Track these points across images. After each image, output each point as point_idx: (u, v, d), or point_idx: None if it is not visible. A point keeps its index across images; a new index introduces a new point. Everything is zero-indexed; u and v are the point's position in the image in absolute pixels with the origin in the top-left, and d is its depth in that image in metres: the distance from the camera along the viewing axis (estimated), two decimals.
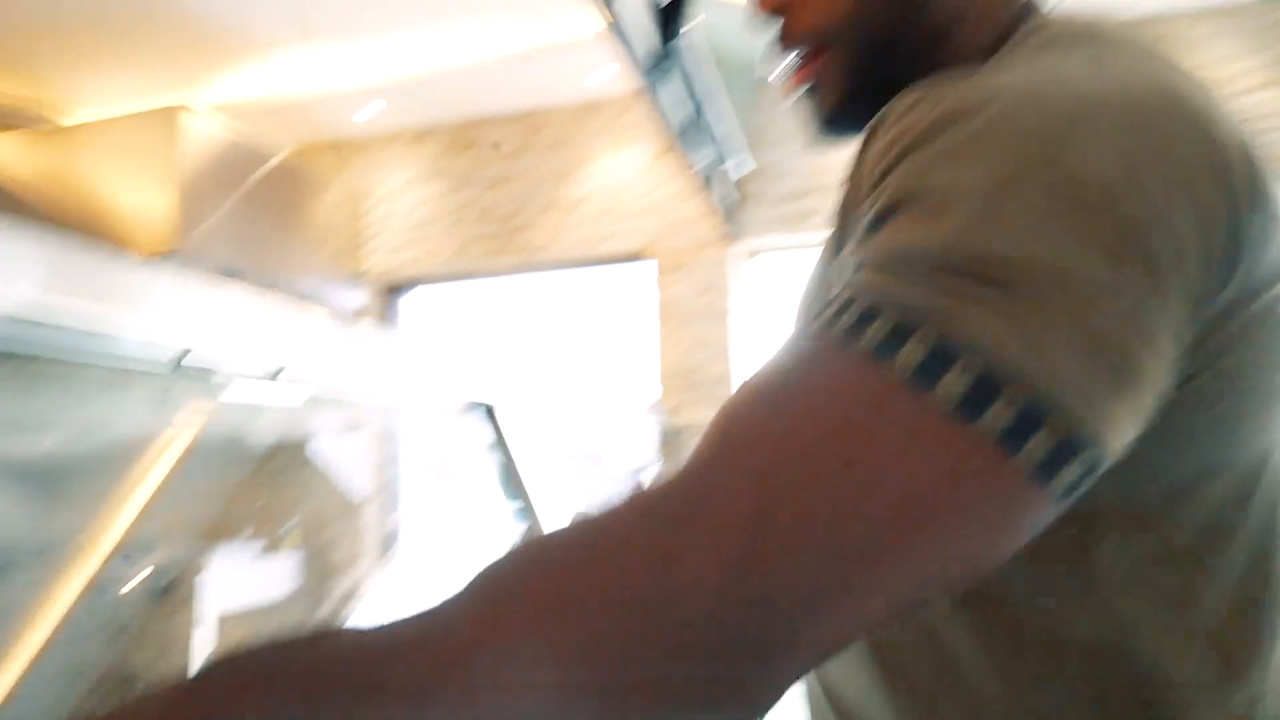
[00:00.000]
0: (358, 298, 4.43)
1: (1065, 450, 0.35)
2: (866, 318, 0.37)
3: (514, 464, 1.70)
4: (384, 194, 4.58)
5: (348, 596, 3.60)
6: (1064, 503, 0.36)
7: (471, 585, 0.38)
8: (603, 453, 3.55)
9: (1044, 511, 0.36)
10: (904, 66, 0.53)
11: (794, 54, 0.57)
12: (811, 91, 0.57)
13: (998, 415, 0.34)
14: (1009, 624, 0.47)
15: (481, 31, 3.81)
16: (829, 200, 0.57)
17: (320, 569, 3.90)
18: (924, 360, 0.35)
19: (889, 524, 0.35)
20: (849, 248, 0.45)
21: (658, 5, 2.16)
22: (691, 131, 2.96)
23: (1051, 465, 0.35)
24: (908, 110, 0.43)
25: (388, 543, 4.04)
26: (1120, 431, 0.37)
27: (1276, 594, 0.46)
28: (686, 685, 0.35)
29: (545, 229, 4.33)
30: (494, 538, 2.14)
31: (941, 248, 0.37)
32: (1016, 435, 0.34)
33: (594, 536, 0.38)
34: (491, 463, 1.85)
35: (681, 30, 2.27)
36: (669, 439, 3.94)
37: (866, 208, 0.42)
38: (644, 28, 2.12)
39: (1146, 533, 0.45)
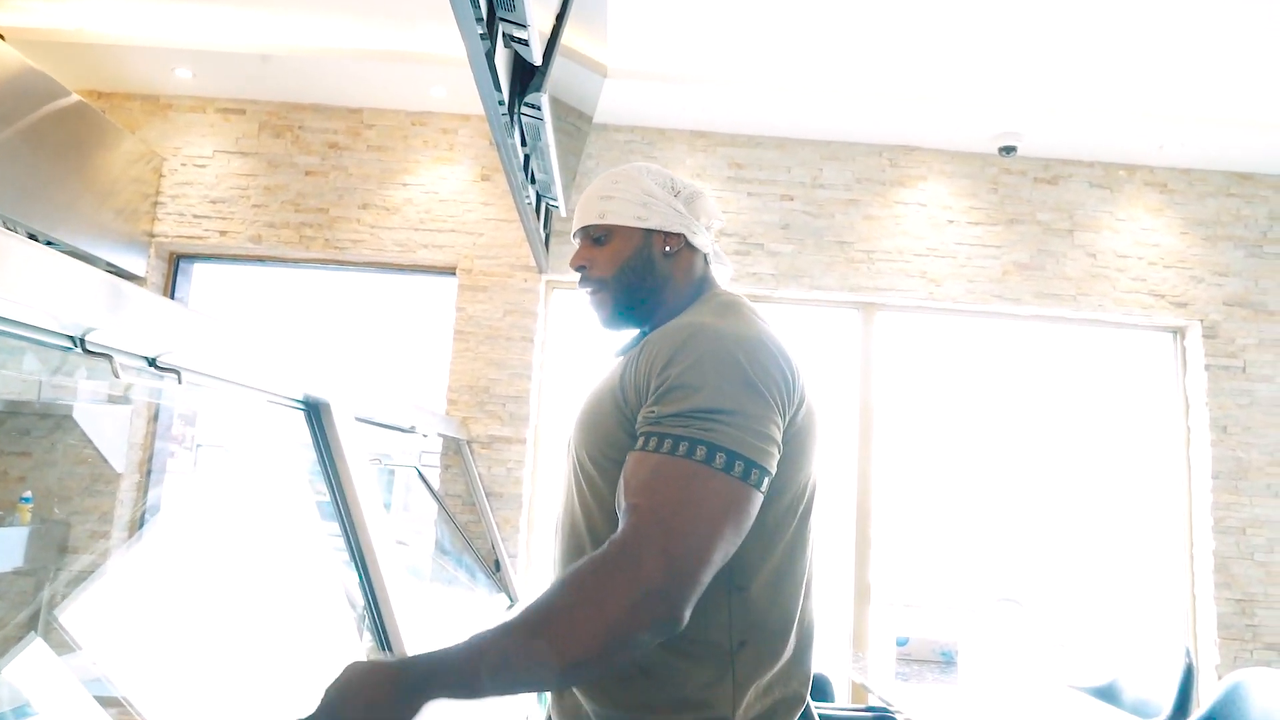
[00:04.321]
0: (138, 262, 4.17)
1: (763, 475, 0.97)
2: (676, 442, 0.95)
3: (333, 460, 1.79)
4: (187, 159, 4.37)
5: (79, 578, 3.39)
6: (763, 496, 0.97)
7: (552, 595, 0.91)
8: (395, 458, 3.63)
9: (759, 501, 0.97)
10: (639, 301, 1.20)
11: (588, 287, 1.22)
12: (596, 307, 1.23)
13: (738, 469, 0.94)
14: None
15: (320, 21, 3.81)
16: None
17: (53, 546, 3.63)
18: (705, 455, 0.94)
19: (717, 522, 0.93)
20: (645, 400, 1.02)
21: (525, 64, 2.38)
22: (518, 172, 3.18)
23: (759, 482, 0.96)
24: (661, 339, 1.05)
25: (138, 524, 3.82)
26: (774, 465, 0.98)
27: (798, 551, 1.07)
28: (663, 611, 0.88)
29: (359, 228, 4.34)
30: (274, 532, 2.18)
31: (699, 408, 0.96)
32: (745, 475, 0.95)
33: (603, 565, 0.90)
34: (300, 457, 1.91)
35: (532, 91, 2.50)
36: (454, 449, 4.09)
37: (654, 381, 1.01)
38: (503, 76, 2.33)
39: (763, 513, 1.00)
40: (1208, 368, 4.36)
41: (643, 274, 1.19)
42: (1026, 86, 3.95)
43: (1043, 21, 3.44)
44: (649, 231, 1.20)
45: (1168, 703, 3.28)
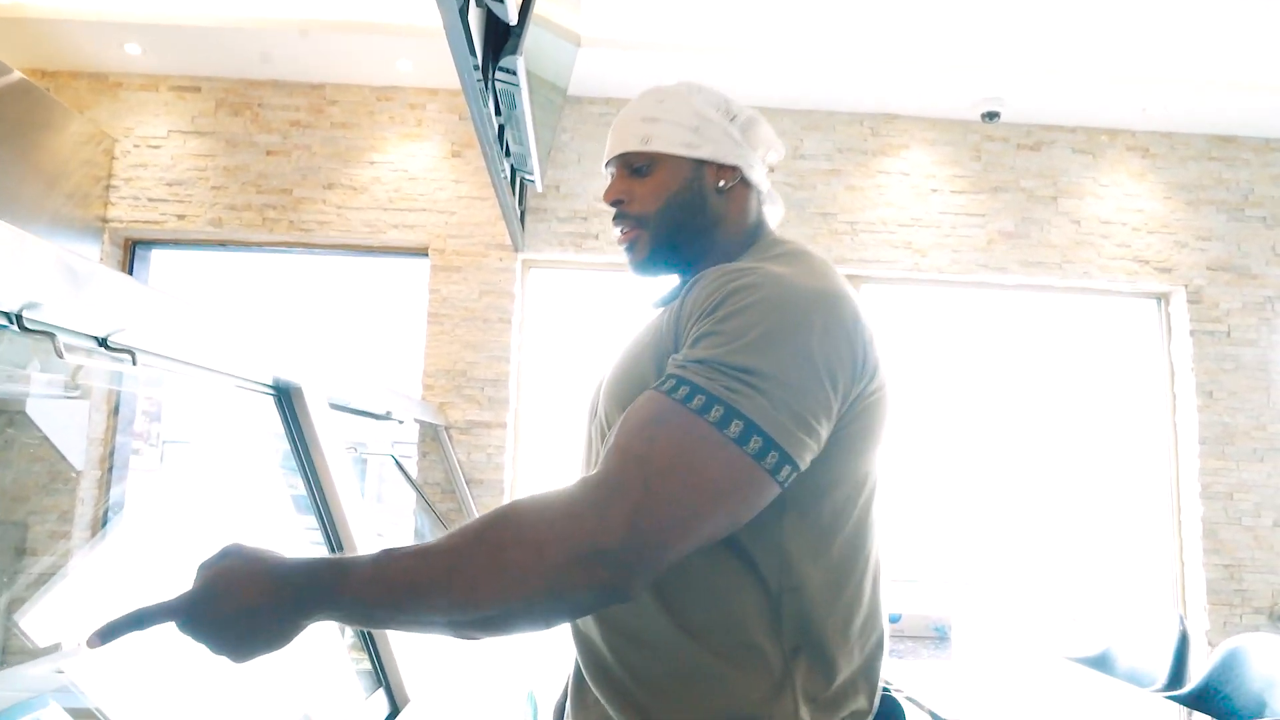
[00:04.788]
0: (91, 249, 3.98)
1: (783, 462, 0.77)
2: (692, 393, 0.78)
3: (307, 448, 1.67)
4: (140, 140, 4.16)
5: (38, 581, 3.23)
6: (781, 489, 0.78)
7: (487, 524, 0.75)
8: (368, 445, 3.49)
9: (772, 492, 0.78)
10: (685, 244, 1.01)
11: (623, 225, 1.03)
12: (630, 248, 1.03)
13: (754, 445, 0.76)
14: (736, 554, 0.85)
15: None
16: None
17: (10, 547, 3.45)
18: (720, 417, 0.76)
19: (707, 499, 0.75)
20: (683, 342, 0.85)
21: (501, 23, 2.25)
22: (492, 143, 3.04)
23: (777, 469, 0.77)
24: (718, 278, 0.87)
25: (100, 523, 3.65)
26: (806, 456, 0.80)
27: (860, 548, 0.90)
28: (608, 578, 0.72)
29: (325, 209, 4.17)
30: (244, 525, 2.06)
31: (733, 364, 0.78)
32: (761, 455, 0.76)
33: (560, 503, 0.75)
34: (273, 447, 1.79)
35: (507, 54, 2.37)
36: (431, 436, 3.95)
37: (693, 325, 0.84)
38: (476, 39, 2.19)
39: (808, 511, 0.85)
40: (1193, 333, 4.34)
41: (692, 211, 1.00)
42: (1008, 50, 3.86)
43: None
44: (700, 162, 1.00)
45: (1162, 671, 3.25)
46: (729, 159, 1.00)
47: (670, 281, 1.07)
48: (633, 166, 1.02)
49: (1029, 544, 4.46)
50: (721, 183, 1.00)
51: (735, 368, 0.78)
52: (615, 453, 0.77)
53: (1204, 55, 3.85)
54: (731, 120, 1.02)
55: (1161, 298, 4.52)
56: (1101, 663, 3.48)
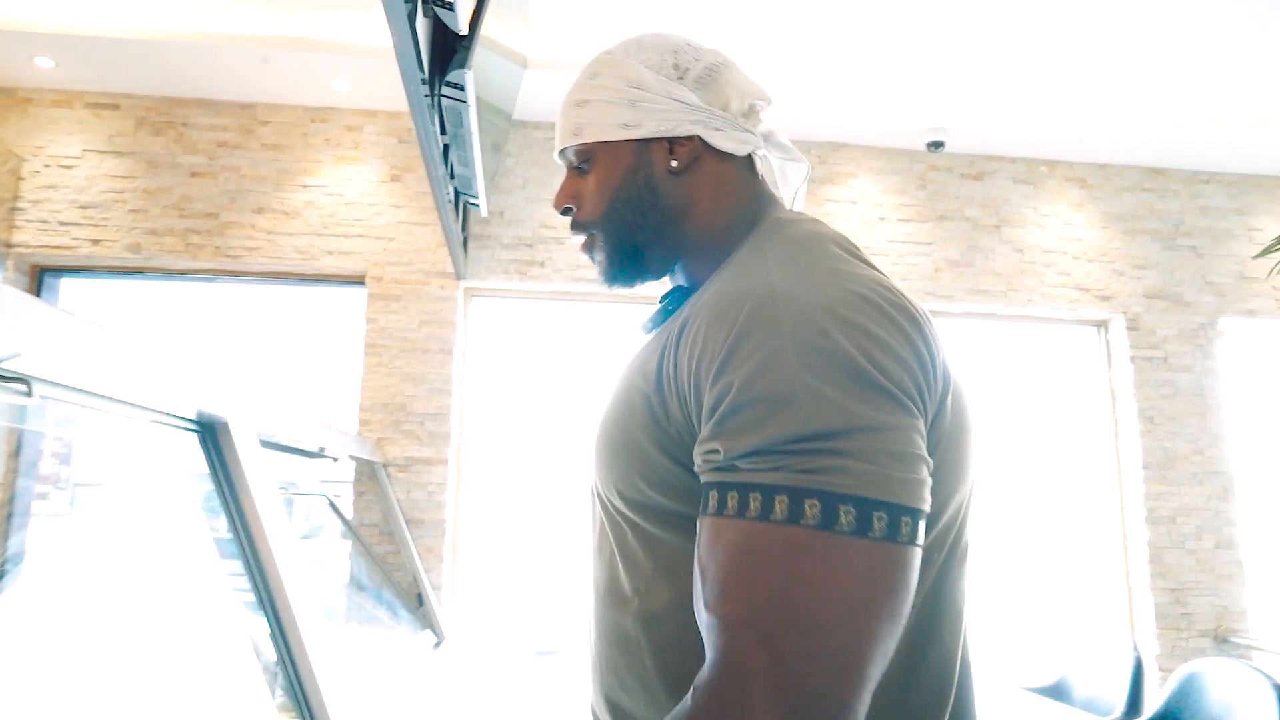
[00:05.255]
0: None
1: (917, 519, 0.60)
2: (768, 498, 0.58)
3: (234, 489, 1.51)
4: (51, 159, 3.89)
5: None
6: (922, 546, 0.61)
7: None
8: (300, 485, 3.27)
9: (918, 555, 0.60)
10: (649, 245, 0.83)
11: (577, 234, 0.87)
12: (591, 254, 0.87)
13: (879, 524, 0.58)
14: None
15: (206, 4, 3.44)
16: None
17: None
18: (821, 513, 0.57)
19: (859, 625, 0.56)
20: (695, 410, 0.66)
21: (448, 37, 2.12)
22: (437, 163, 2.90)
23: (914, 535, 0.59)
24: (715, 309, 0.67)
25: None
26: (928, 499, 0.62)
27: (949, 604, 0.72)
28: None
29: (254, 234, 3.95)
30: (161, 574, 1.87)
31: (794, 435, 0.59)
32: (893, 531, 0.58)
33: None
34: (197, 488, 1.62)
35: (455, 68, 2.24)
36: (368, 474, 3.73)
37: (706, 385, 0.64)
38: (422, 54, 2.07)
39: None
40: (1133, 359, 4.41)
41: (643, 207, 0.81)
42: (953, 81, 3.90)
43: (967, 17, 3.38)
44: (643, 143, 0.81)
45: (1119, 699, 3.22)
46: (681, 129, 0.80)
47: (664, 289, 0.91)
48: (575, 164, 0.86)
49: (977, 573, 4.44)
50: (674, 162, 0.81)
51: (799, 439, 0.59)
52: (713, 631, 0.58)
53: (1136, 90, 3.95)
54: (681, 77, 0.81)
55: (1101, 325, 4.60)
56: (1058, 692, 3.44)
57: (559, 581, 3.99)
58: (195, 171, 3.95)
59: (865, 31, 3.54)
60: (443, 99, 2.46)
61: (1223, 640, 4.15)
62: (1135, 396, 4.37)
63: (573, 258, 4.03)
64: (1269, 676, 2.71)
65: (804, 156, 0.89)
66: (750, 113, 0.84)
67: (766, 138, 0.87)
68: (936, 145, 4.29)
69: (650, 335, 0.82)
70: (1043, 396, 4.59)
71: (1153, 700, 3.06)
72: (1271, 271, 3.72)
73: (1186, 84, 3.90)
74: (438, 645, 3.44)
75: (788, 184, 0.89)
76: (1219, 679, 2.90)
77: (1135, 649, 3.19)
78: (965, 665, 0.72)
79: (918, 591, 0.67)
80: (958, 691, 0.70)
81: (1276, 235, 3.55)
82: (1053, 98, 4.02)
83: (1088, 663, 3.43)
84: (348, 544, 3.59)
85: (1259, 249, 4.41)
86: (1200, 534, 4.28)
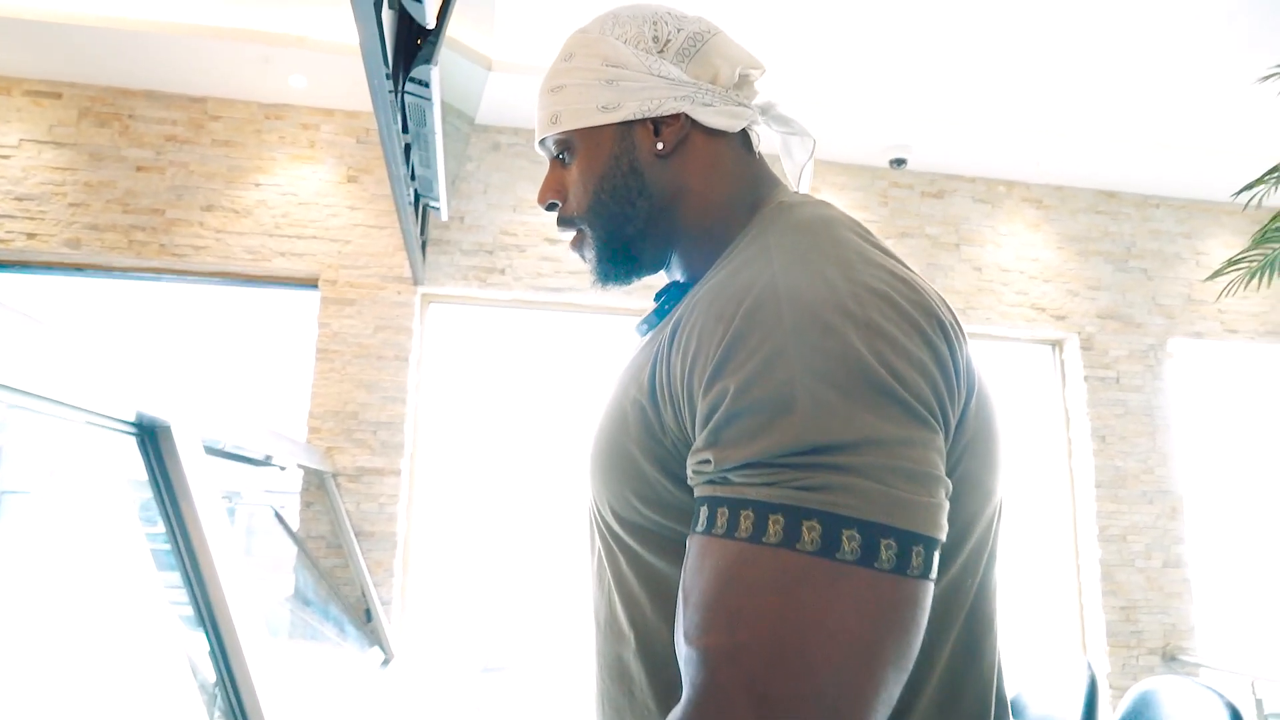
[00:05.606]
0: None
1: (930, 548, 0.52)
2: (761, 517, 0.51)
3: (175, 498, 1.41)
4: None
5: None
6: (933, 585, 0.53)
7: None
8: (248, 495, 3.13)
9: (930, 590, 0.53)
10: (640, 238, 0.76)
11: (565, 230, 0.81)
12: (580, 252, 0.80)
13: (886, 553, 0.50)
14: None
15: None
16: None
17: None
18: (821, 538, 0.50)
19: (859, 667, 0.48)
20: (689, 417, 0.59)
21: (413, 32, 2.05)
22: (399, 162, 2.82)
23: (927, 567, 0.52)
24: (710, 304, 0.60)
25: None
26: (944, 526, 0.54)
27: (984, 628, 0.65)
28: None
29: (202, 232, 3.80)
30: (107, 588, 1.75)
31: (793, 446, 0.51)
32: (902, 561, 0.51)
33: None
34: (133, 495, 1.52)
35: (420, 64, 2.17)
36: (316, 484, 3.60)
37: (700, 390, 0.57)
38: (387, 48, 1.99)
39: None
40: (1086, 379, 4.48)
41: (630, 196, 0.74)
42: (915, 99, 3.93)
43: (931, 36, 3.41)
44: (626, 126, 0.74)
45: (1073, 718, 3.24)
46: (665, 107, 0.73)
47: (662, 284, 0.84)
48: (556, 154, 0.80)
49: None
50: (660, 144, 0.74)
51: (799, 452, 0.51)
52: (691, 665, 0.51)
53: (1091, 114, 4.02)
54: (662, 50, 0.74)
55: (1056, 344, 4.66)
56: (1013, 710, 3.45)
57: (510, 596, 3.89)
58: (141, 166, 3.79)
59: (830, 47, 3.54)
60: (406, 95, 2.38)
61: (1171, 658, 4.21)
62: (1088, 415, 4.43)
63: (534, 266, 3.95)
64: (1222, 695, 2.73)
65: (809, 131, 0.81)
66: (743, 83, 0.77)
67: (765, 110, 0.80)
68: (899, 162, 4.32)
69: (645, 338, 0.76)
70: (1004, 414, 4.62)
71: (1106, 719, 3.06)
72: (1221, 295, 3.81)
73: (1139, 110, 3.98)
74: (386, 663, 3.32)
75: (792, 161, 0.82)
76: (1172, 697, 2.92)
77: (1089, 667, 3.20)
78: (1000, 687, 0.66)
79: (958, 612, 0.61)
80: (998, 711, 0.65)
81: (1225, 259, 3.63)
82: (1012, 118, 4.07)
83: (1042, 681, 3.44)
84: (293, 557, 3.45)
85: (1206, 272, 4.52)
86: (1150, 552, 4.34)
